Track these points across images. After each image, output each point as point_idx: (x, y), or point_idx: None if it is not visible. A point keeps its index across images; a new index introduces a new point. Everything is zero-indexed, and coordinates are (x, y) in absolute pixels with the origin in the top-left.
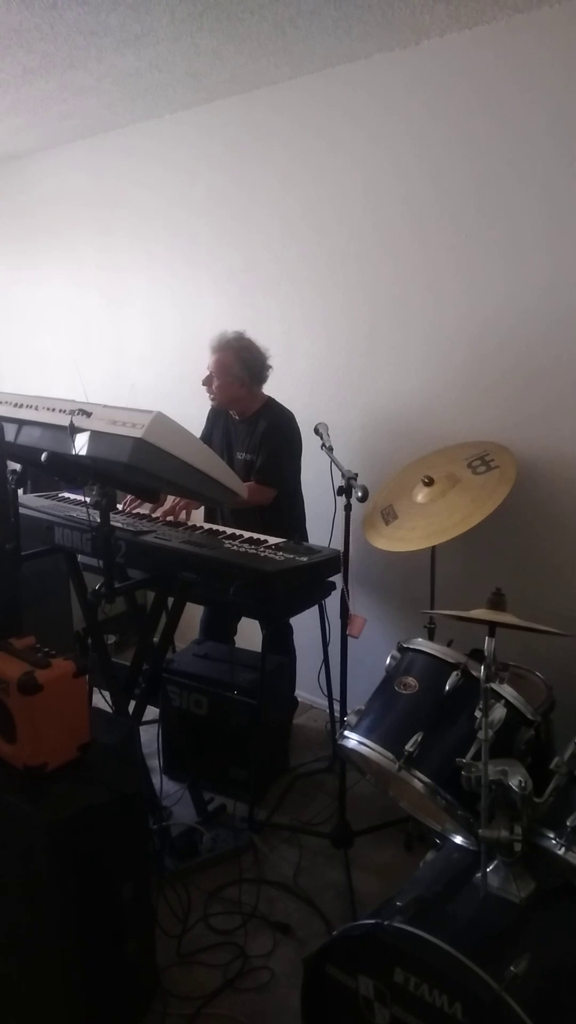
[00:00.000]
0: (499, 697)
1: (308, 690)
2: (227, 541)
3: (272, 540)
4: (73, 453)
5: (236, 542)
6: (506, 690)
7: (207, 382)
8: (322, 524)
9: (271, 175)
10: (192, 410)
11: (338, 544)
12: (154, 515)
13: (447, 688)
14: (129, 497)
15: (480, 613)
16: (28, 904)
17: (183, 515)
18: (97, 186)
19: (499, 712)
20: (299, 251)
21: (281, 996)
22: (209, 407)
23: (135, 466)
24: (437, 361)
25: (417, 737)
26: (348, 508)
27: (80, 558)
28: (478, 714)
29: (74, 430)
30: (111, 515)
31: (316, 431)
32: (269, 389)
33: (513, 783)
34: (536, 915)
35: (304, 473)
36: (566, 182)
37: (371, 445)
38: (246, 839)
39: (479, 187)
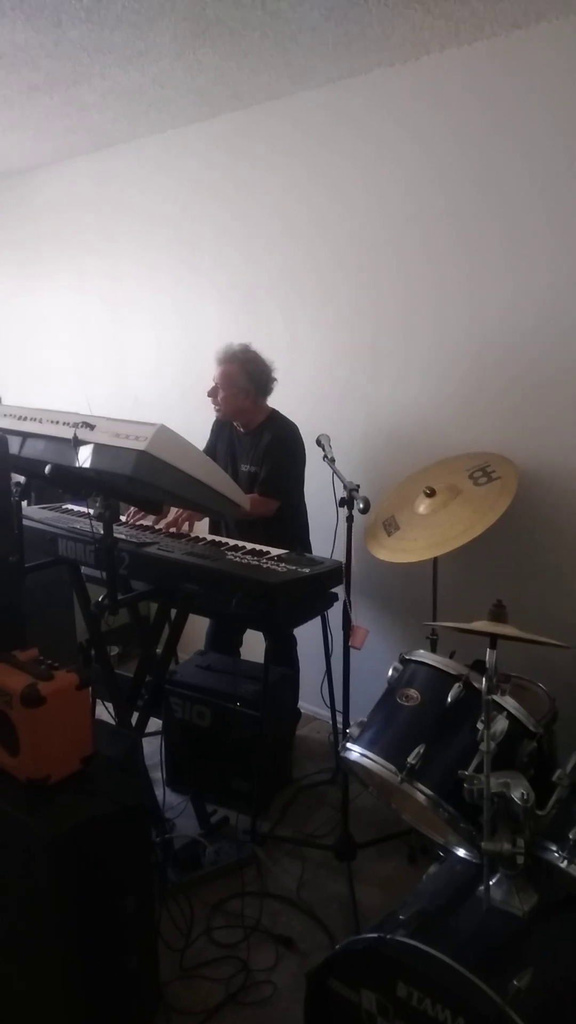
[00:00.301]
0: (501, 709)
1: (311, 701)
2: (230, 553)
3: (275, 552)
4: (77, 466)
5: (239, 554)
6: (508, 702)
7: (212, 393)
8: (324, 535)
9: (274, 189)
10: (196, 423)
11: (340, 555)
12: (157, 527)
13: (449, 700)
14: (132, 509)
15: (481, 625)
16: (30, 917)
17: (186, 527)
18: (101, 200)
19: (501, 724)
20: (302, 264)
21: (284, 1010)
22: (213, 419)
23: (138, 479)
24: (439, 372)
25: (419, 749)
26: (350, 519)
27: (84, 570)
28: (480, 726)
29: (78, 443)
30: (114, 527)
31: (318, 442)
32: (272, 400)
33: (515, 795)
34: (539, 928)
35: (306, 484)
36: (571, 194)
37: (373, 456)
38: (249, 851)
39: (482, 199)
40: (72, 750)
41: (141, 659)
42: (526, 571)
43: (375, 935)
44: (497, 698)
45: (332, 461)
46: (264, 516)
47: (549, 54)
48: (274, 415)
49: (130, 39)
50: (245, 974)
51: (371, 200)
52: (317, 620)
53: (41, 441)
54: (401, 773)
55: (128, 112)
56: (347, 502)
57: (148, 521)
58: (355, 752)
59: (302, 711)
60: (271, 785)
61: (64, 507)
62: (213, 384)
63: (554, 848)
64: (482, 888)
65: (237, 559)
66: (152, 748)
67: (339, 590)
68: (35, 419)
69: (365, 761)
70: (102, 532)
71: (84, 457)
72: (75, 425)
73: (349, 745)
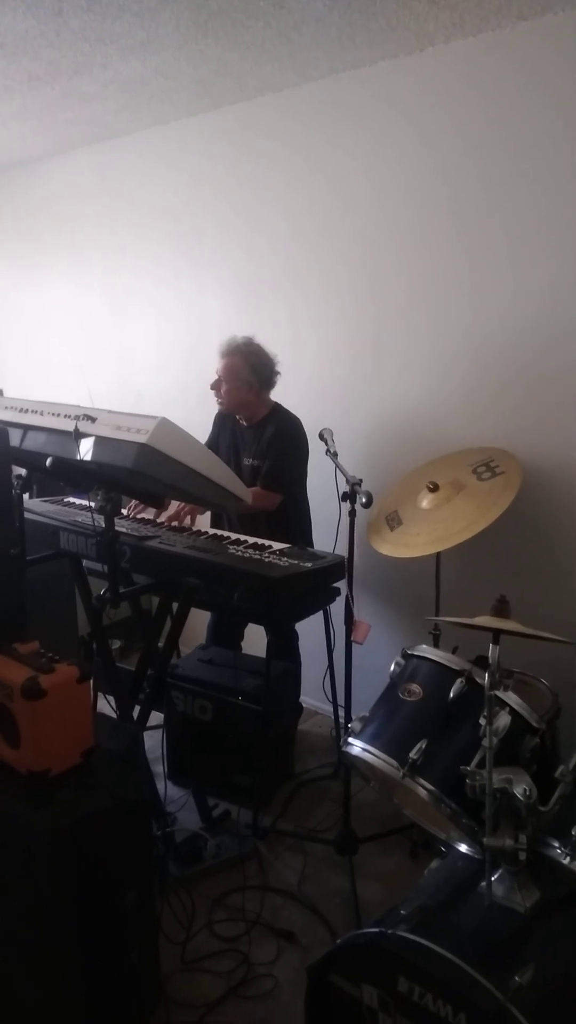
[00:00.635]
0: (504, 705)
1: (313, 696)
2: (231, 546)
3: (277, 546)
4: (78, 459)
5: (240, 547)
6: (511, 697)
7: (215, 386)
8: (327, 530)
9: (277, 181)
10: (198, 416)
11: (343, 550)
12: (159, 520)
13: (451, 695)
14: (133, 502)
15: (484, 620)
16: (30, 910)
17: (188, 520)
18: (103, 192)
19: (504, 720)
20: (305, 257)
21: (285, 1004)
22: (215, 413)
23: (139, 472)
24: (443, 366)
25: (421, 744)
26: (352, 514)
27: (85, 563)
28: (483, 722)
29: (79, 435)
30: (116, 520)
31: (321, 436)
32: (275, 394)
33: (518, 791)
34: (541, 925)
35: (309, 479)
36: (573, 190)
37: (376, 451)
38: (250, 846)
39: (486, 193)
40: (73, 743)
41: (143, 653)
42: (530, 567)
43: (376, 930)
44: (500, 694)
45: (335, 455)
46: (266, 510)
47: (555, 47)
48: (277, 409)
49: (132, 29)
50: (246, 968)
51: (374, 194)
52: (319, 615)
53: (42, 434)
54: (403, 768)
55: (130, 103)
56: (349, 496)
57: (150, 515)
58: (357, 747)
59: (304, 706)
60: (273, 779)
61: (66, 500)
62: (216, 377)
63: (556, 844)
64: (484, 884)
65: (239, 553)
66: (154, 742)
67: (341, 585)
68: (36, 411)
69: (367, 756)
70: (103, 525)
71: (85, 450)
72: (76, 418)
73: (351, 740)
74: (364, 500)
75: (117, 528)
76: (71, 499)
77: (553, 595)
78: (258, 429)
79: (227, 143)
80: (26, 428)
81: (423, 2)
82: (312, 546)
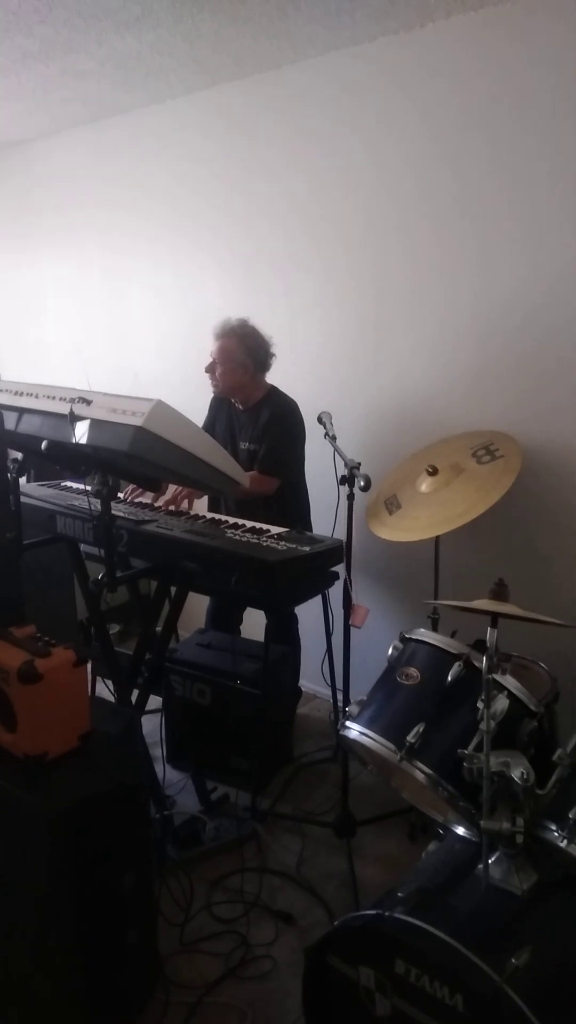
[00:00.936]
0: (502, 688)
1: (312, 680)
2: (229, 530)
3: (275, 530)
4: (73, 442)
5: (238, 531)
6: (509, 681)
7: (210, 369)
8: (326, 514)
9: (276, 160)
10: (197, 400)
11: (341, 534)
12: (156, 504)
13: (449, 679)
14: (131, 486)
15: (482, 604)
16: (28, 892)
17: (185, 504)
18: (100, 172)
19: (501, 703)
20: (305, 237)
21: (283, 985)
22: (212, 396)
23: (136, 455)
24: (445, 350)
25: (419, 728)
26: (351, 497)
27: (83, 547)
28: (480, 705)
29: (74, 418)
30: (113, 505)
31: (320, 420)
32: (273, 376)
33: (515, 775)
34: (538, 907)
35: (307, 463)
36: (570, 166)
37: (376, 434)
38: (249, 828)
39: (491, 171)
40: (69, 727)
41: (141, 637)
42: (529, 550)
43: (374, 912)
44: (498, 677)
45: (333, 439)
46: (264, 494)
47: (557, 22)
48: (273, 391)
49: (126, 4)
50: (244, 949)
51: (375, 172)
52: (318, 599)
53: (37, 417)
54: (400, 752)
55: (126, 81)
56: (348, 480)
57: (147, 499)
58: (354, 730)
59: (303, 690)
60: (271, 763)
61: (63, 484)
62: (211, 360)
63: (554, 827)
64: (481, 867)
65: (237, 537)
66: (152, 726)
67: (340, 569)
68: (31, 394)
69: (364, 739)
70: (100, 509)
71: (81, 433)
72: (72, 400)
73: (348, 723)
74: (362, 483)
75: (114, 512)
76: (68, 483)
77: (553, 579)
78: (254, 412)
79: (225, 121)
80: (21, 411)
81: None
82: (311, 530)
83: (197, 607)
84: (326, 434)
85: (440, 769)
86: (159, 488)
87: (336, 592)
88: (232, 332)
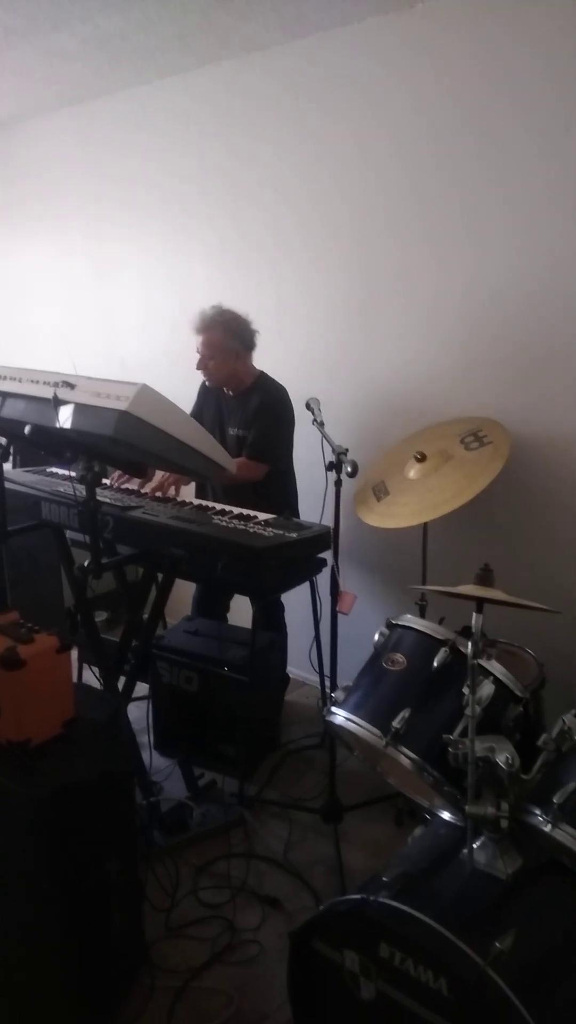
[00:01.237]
0: (487, 674)
1: (300, 667)
2: (216, 517)
3: (262, 516)
4: (57, 426)
5: (225, 518)
6: (494, 666)
7: (202, 365)
8: (313, 501)
9: (264, 142)
10: (185, 386)
11: (329, 520)
12: (142, 491)
13: (435, 665)
14: (117, 473)
15: (468, 589)
16: (12, 878)
17: (172, 491)
18: (85, 154)
19: (487, 689)
20: (293, 221)
21: (269, 969)
22: (201, 382)
23: (120, 439)
24: (433, 336)
25: (404, 714)
26: (339, 484)
27: (69, 534)
28: (466, 691)
29: (58, 403)
30: (99, 491)
31: (308, 406)
32: (262, 363)
33: (500, 760)
34: (522, 891)
35: (295, 449)
36: (571, 151)
37: (364, 421)
38: (236, 814)
39: (482, 155)
40: (53, 713)
41: (127, 624)
42: (517, 537)
43: (358, 897)
44: (483, 662)
45: (321, 425)
46: (252, 481)
47: (542, 5)
48: (263, 377)
49: None
50: (231, 934)
51: (363, 156)
52: (306, 586)
53: (21, 401)
54: (386, 737)
55: (111, 60)
56: (335, 466)
57: (134, 485)
58: (340, 716)
59: (291, 676)
60: (259, 749)
61: (48, 470)
62: (199, 356)
63: (538, 812)
64: (466, 851)
65: (224, 523)
66: (140, 713)
67: (327, 556)
68: (15, 378)
69: (350, 725)
70: (85, 495)
71: (65, 417)
72: (55, 385)
73: (334, 709)
74: (349, 469)
75: (100, 498)
76: (54, 469)
77: (540, 565)
78: (243, 398)
79: (212, 103)
80: (5, 395)
81: None
82: (298, 517)
83: (184, 594)
84: (314, 420)
85: (425, 754)
86: (145, 474)
87: (323, 579)
88: (214, 322)
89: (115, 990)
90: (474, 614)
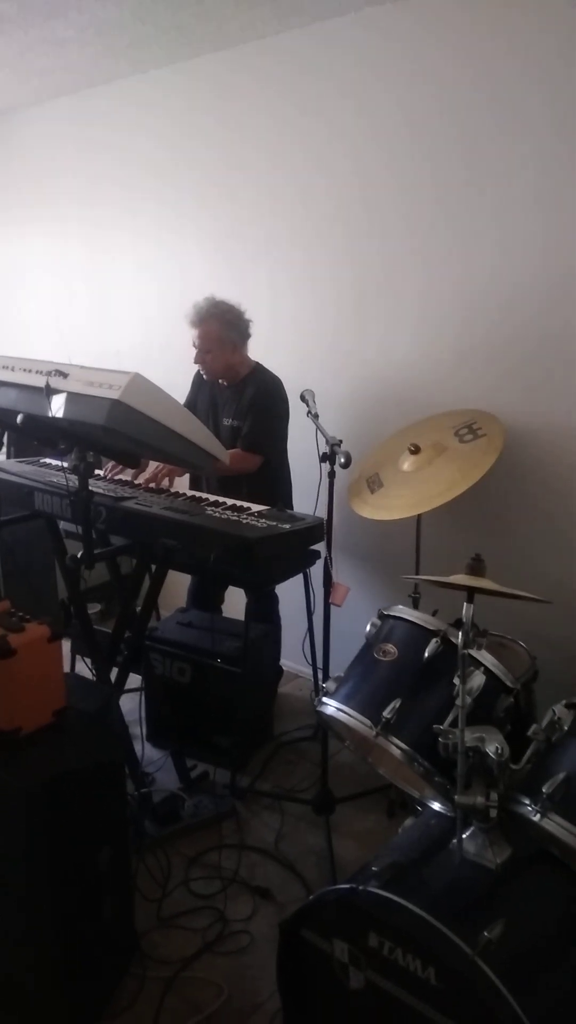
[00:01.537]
0: (478, 664)
1: (293, 659)
2: (209, 508)
3: (255, 507)
4: (49, 415)
5: (219, 509)
6: (485, 657)
7: (200, 359)
8: (307, 493)
9: (260, 132)
10: (179, 375)
11: (323, 512)
12: (136, 482)
13: (426, 655)
14: (111, 463)
15: (459, 579)
16: (3, 867)
17: (165, 482)
18: (81, 143)
19: (478, 679)
20: (289, 213)
21: (260, 959)
22: (195, 372)
23: (112, 429)
24: (427, 329)
25: (395, 704)
26: (332, 475)
27: (64, 526)
28: (457, 681)
29: (50, 391)
30: (93, 482)
31: (302, 398)
32: (256, 354)
33: (490, 750)
34: (511, 881)
35: (289, 442)
36: (559, 144)
37: (359, 413)
38: (228, 805)
39: (471, 149)
40: (44, 702)
41: (120, 615)
42: (510, 529)
43: (348, 886)
44: (474, 653)
45: (316, 416)
46: (247, 472)
47: (532, 5)
48: (258, 368)
49: None
50: (222, 924)
51: (360, 148)
52: (299, 579)
53: (13, 390)
54: (376, 727)
55: (107, 50)
56: (329, 457)
57: (128, 476)
58: (331, 706)
59: (285, 669)
60: (252, 741)
61: (42, 461)
62: (196, 349)
63: (527, 802)
64: (455, 841)
65: (217, 514)
66: (134, 704)
67: (321, 547)
68: (7, 367)
69: (341, 715)
70: (77, 485)
71: (57, 406)
72: (48, 373)
73: (325, 700)
74: (343, 460)
75: (92, 489)
76: (47, 460)
77: (533, 557)
78: (238, 389)
79: (208, 93)
80: None
81: None
82: (292, 509)
83: (178, 587)
84: (308, 412)
85: (416, 745)
86: (138, 464)
87: (317, 571)
88: (210, 315)
89: (106, 980)
90: (465, 604)
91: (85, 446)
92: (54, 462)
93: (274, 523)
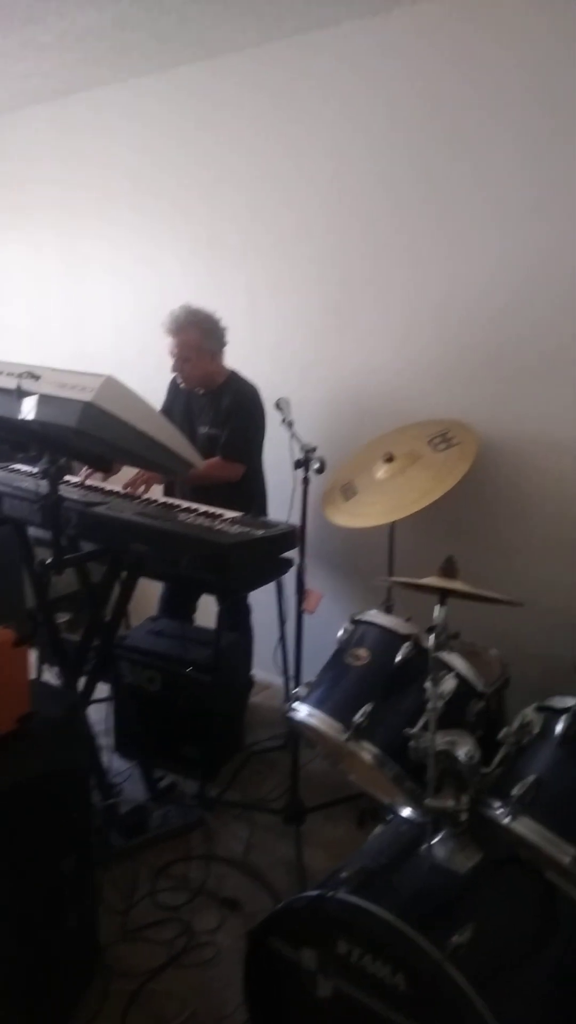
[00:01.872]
0: (449, 668)
1: (265, 669)
2: (182, 514)
3: (228, 514)
4: (20, 418)
5: (191, 515)
6: (456, 661)
7: (178, 368)
8: (282, 500)
9: (237, 141)
10: (155, 384)
11: (297, 520)
12: (124, 489)
13: (398, 660)
14: (84, 469)
15: (431, 580)
16: None
17: (141, 489)
18: (57, 150)
19: (449, 684)
20: (267, 222)
21: (226, 971)
22: (170, 380)
23: (84, 431)
24: (403, 339)
25: (367, 708)
26: (306, 481)
27: (33, 533)
28: (428, 685)
29: (21, 393)
30: (67, 488)
31: (278, 406)
32: (233, 362)
33: (461, 753)
34: (481, 886)
35: (264, 450)
36: (545, 159)
37: (333, 422)
38: (196, 816)
39: (456, 159)
40: (8, 708)
41: (89, 623)
42: (482, 537)
43: (317, 892)
44: (445, 657)
45: (291, 424)
46: (229, 481)
47: (525, 11)
48: (234, 376)
49: None
50: (188, 936)
51: (337, 159)
52: (271, 589)
53: None
54: (348, 731)
55: (88, 56)
56: (303, 463)
57: (100, 483)
58: (302, 711)
59: (256, 679)
60: (222, 751)
61: (11, 466)
62: (174, 358)
63: (497, 805)
64: (425, 846)
65: (189, 520)
66: (101, 715)
67: (295, 555)
68: None
69: (312, 720)
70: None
71: (28, 409)
72: (19, 375)
73: (296, 704)
74: (317, 466)
75: (63, 494)
76: (17, 466)
77: (504, 565)
78: (215, 396)
79: (187, 102)
80: None
81: None
82: (266, 516)
83: (149, 596)
84: (283, 419)
85: (387, 749)
86: (110, 469)
87: (290, 580)
88: (189, 323)
89: (68, 993)
90: (437, 606)
91: (56, 450)
92: (24, 468)
93: (247, 529)
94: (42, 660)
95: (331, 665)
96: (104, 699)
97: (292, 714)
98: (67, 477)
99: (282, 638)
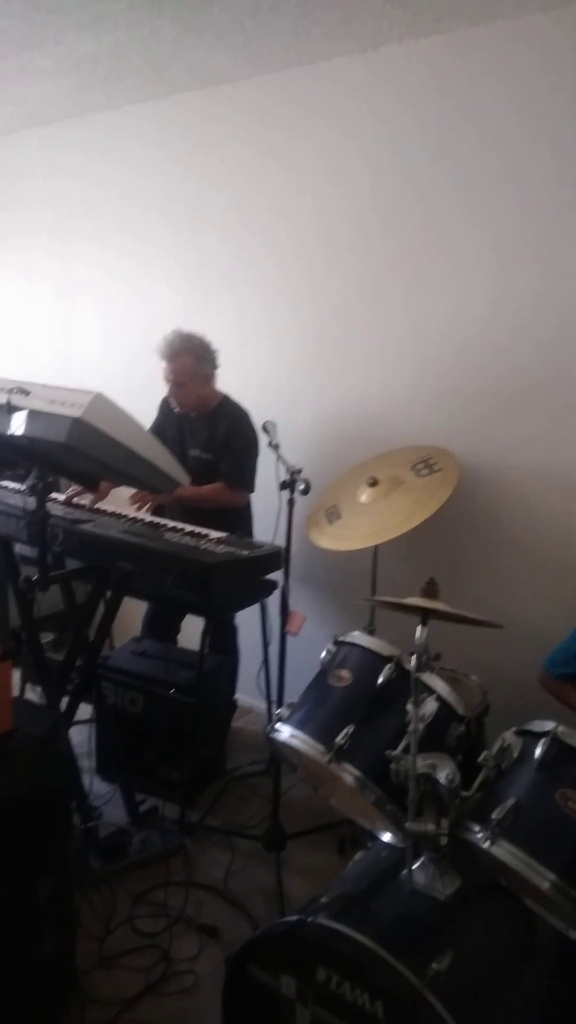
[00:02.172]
0: (431, 691)
1: (248, 693)
2: (168, 533)
3: (214, 534)
4: (8, 433)
5: (178, 534)
6: (438, 684)
7: (173, 393)
8: (267, 523)
9: (228, 171)
10: (143, 404)
11: (282, 541)
12: (132, 511)
13: (380, 681)
14: (72, 487)
15: (413, 600)
16: None
17: (148, 506)
18: (51, 175)
19: (430, 706)
20: (254, 249)
21: (204, 1000)
22: (159, 401)
23: (73, 447)
24: (389, 366)
25: (348, 730)
26: (291, 503)
27: (18, 549)
28: (410, 707)
29: (11, 409)
30: (54, 506)
31: (264, 428)
32: (222, 387)
33: (441, 777)
34: (461, 912)
35: None
36: (539, 190)
37: (319, 446)
38: (176, 841)
39: (452, 192)
40: None
41: (72, 642)
42: (464, 561)
43: (297, 918)
44: (427, 679)
45: (277, 447)
46: (236, 506)
47: (511, 49)
48: (226, 400)
49: (84, 3)
50: (166, 964)
51: (331, 188)
52: (254, 612)
53: None
54: (329, 753)
55: (83, 83)
56: (288, 485)
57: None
58: (284, 732)
59: (239, 703)
60: (203, 775)
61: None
62: (170, 384)
63: (477, 829)
64: (406, 872)
65: (175, 539)
66: (83, 737)
67: (279, 576)
68: None
69: (294, 742)
70: (34, 506)
71: (17, 424)
72: (9, 391)
73: (279, 726)
74: (303, 487)
75: (49, 511)
76: (3, 483)
77: (486, 588)
78: (208, 420)
79: (179, 131)
80: None
81: None
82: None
83: (133, 617)
84: (270, 442)
85: (368, 771)
86: (97, 487)
87: (274, 602)
88: (184, 349)
89: (42, 1021)
90: (419, 627)
91: (44, 466)
92: (10, 484)
93: (233, 549)
94: (25, 679)
95: (314, 686)
96: (86, 720)
97: (274, 735)
98: (53, 494)
99: (265, 661)
